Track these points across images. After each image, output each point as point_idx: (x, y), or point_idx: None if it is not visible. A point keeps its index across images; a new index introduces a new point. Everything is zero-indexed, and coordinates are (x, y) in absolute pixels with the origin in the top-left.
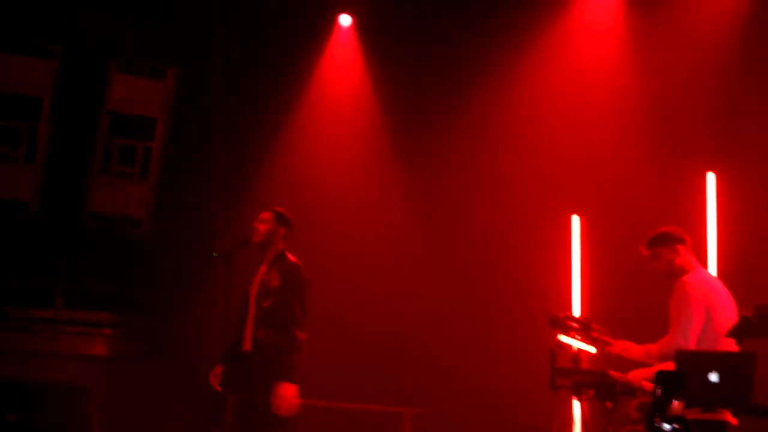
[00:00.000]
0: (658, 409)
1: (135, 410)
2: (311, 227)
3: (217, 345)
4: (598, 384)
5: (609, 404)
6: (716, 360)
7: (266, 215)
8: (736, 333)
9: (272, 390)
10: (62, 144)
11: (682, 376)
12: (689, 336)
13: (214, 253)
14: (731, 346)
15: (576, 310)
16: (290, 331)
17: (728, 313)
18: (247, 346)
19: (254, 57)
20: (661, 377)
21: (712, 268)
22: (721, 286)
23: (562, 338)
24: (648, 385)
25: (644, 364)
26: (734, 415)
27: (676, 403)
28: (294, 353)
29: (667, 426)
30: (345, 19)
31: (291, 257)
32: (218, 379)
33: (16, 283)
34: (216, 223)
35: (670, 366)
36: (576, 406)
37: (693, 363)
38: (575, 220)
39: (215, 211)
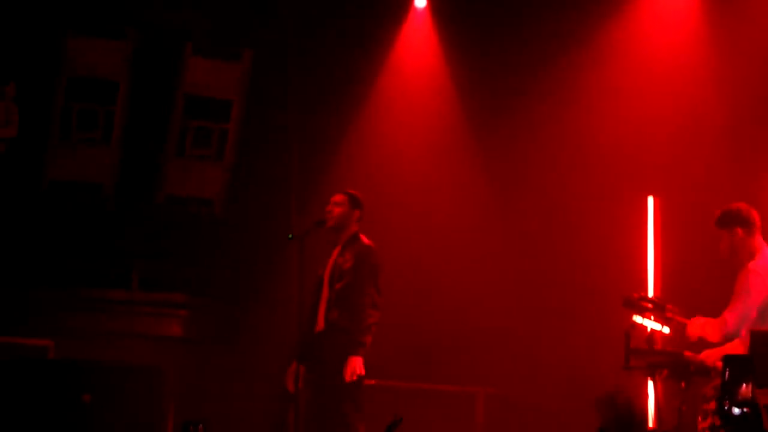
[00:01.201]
0: (727, 394)
1: (209, 391)
2: (385, 208)
3: (290, 326)
4: (673, 364)
5: (683, 384)
6: None
7: (339, 198)
8: None
9: (343, 367)
10: (138, 127)
11: (750, 360)
12: (737, 324)
13: (289, 235)
14: None
15: (650, 291)
16: (362, 313)
17: None
18: (320, 326)
19: (329, 38)
20: (729, 362)
21: None
22: None
23: (637, 319)
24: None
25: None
26: None
27: (745, 387)
28: (365, 334)
29: (736, 410)
30: (420, 1)
31: (365, 239)
32: (292, 378)
33: (93, 265)
34: (291, 204)
35: (738, 349)
36: (650, 386)
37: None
38: (650, 201)
39: (290, 192)
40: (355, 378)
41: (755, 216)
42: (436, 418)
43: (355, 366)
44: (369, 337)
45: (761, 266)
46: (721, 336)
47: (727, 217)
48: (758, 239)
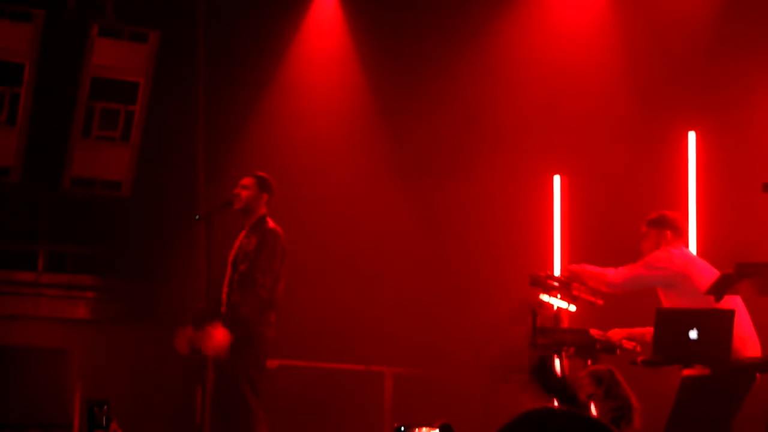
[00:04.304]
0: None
1: (117, 373)
2: (293, 189)
3: (198, 308)
4: (579, 342)
5: (589, 362)
6: (695, 317)
7: (248, 181)
8: (715, 290)
9: (240, 349)
10: (44, 108)
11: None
12: (626, 281)
13: (196, 217)
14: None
15: (557, 270)
16: (253, 291)
17: (711, 276)
18: (224, 308)
19: (237, 19)
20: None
21: (692, 227)
22: (702, 261)
23: (544, 297)
24: (627, 344)
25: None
26: (713, 372)
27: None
28: (251, 308)
29: None
30: None
31: (271, 222)
32: (187, 342)
33: None
34: (198, 186)
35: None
36: (557, 363)
37: (672, 320)
38: (557, 180)
39: (197, 174)
40: (209, 348)
41: (685, 227)
42: (344, 398)
43: (216, 334)
44: (253, 312)
45: (679, 253)
46: (604, 284)
47: (662, 219)
48: (682, 244)
